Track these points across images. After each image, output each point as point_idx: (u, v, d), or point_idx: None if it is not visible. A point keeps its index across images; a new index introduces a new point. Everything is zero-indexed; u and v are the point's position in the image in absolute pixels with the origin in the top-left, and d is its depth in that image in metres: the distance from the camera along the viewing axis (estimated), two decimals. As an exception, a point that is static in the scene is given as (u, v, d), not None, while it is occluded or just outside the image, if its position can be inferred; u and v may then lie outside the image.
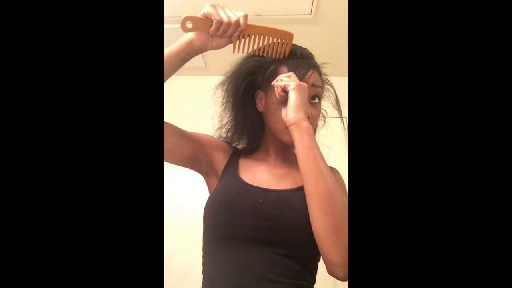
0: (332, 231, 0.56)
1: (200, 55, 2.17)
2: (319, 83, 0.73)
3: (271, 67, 0.72)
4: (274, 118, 0.71)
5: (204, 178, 0.80)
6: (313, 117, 0.71)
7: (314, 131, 0.78)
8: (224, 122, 0.80)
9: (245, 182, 0.70)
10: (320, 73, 0.75)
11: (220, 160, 0.77)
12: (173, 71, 0.68)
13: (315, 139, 0.63)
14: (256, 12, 1.59)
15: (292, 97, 0.63)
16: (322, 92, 0.75)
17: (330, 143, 1.78)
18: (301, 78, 0.67)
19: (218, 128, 0.81)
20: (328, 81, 0.79)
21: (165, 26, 1.79)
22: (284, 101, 0.65)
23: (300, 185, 0.69)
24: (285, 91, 0.65)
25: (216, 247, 0.67)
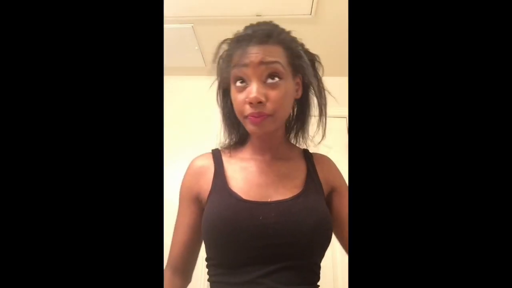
0: None
1: (200, 55, 2.15)
2: (274, 58, 0.62)
3: (228, 53, 0.66)
4: (235, 108, 0.66)
5: None
6: (273, 100, 0.61)
7: (297, 127, 0.75)
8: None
9: (239, 197, 0.64)
10: (284, 45, 0.64)
11: (208, 183, 0.69)
12: None
13: None
14: (256, 12, 1.59)
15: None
16: (288, 68, 0.64)
17: (330, 143, 1.78)
18: (242, 59, 0.61)
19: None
20: (307, 53, 0.69)
21: (165, 26, 1.79)
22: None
23: (298, 192, 0.66)
24: None
25: (222, 270, 0.64)
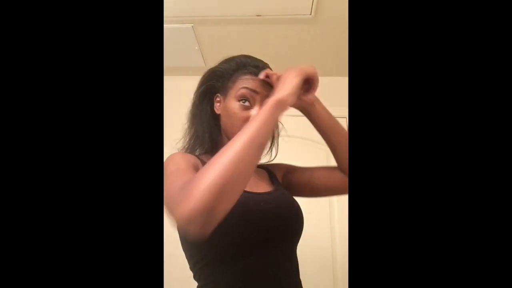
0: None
1: (200, 55, 2.14)
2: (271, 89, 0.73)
3: (235, 74, 0.76)
4: (230, 121, 0.74)
5: None
6: None
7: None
8: (186, 133, 0.82)
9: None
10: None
11: None
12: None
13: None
14: (256, 12, 1.59)
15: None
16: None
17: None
18: (254, 85, 0.73)
19: (182, 143, 0.82)
20: None
21: (165, 26, 1.78)
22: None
23: (273, 188, 0.78)
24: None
25: (226, 259, 0.65)
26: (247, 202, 0.66)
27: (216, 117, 0.80)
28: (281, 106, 0.60)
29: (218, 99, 0.79)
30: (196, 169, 0.66)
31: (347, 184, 0.73)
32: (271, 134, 0.72)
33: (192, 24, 1.69)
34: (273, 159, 0.87)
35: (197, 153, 0.80)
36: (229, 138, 0.74)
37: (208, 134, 0.79)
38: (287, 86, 0.63)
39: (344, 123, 1.97)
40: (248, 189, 0.72)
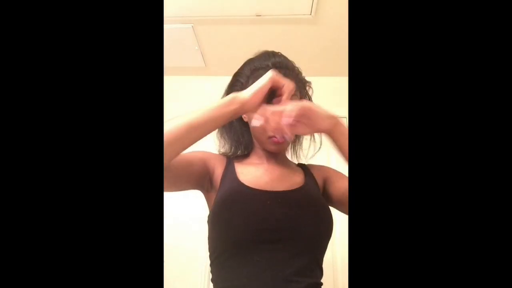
0: None
1: (200, 55, 2.14)
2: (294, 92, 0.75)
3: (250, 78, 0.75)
4: (256, 129, 0.75)
5: (204, 194, 0.80)
6: None
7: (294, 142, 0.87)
8: (219, 139, 0.84)
9: (248, 186, 0.70)
10: (295, 78, 0.77)
11: (219, 173, 0.77)
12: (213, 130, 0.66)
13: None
14: (256, 12, 1.59)
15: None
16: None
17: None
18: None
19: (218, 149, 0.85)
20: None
21: (165, 26, 1.78)
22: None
23: (299, 186, 0.73)
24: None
25: (229, 254, 0.66)
26: (251, 200, 0.68)
27: (246, 124, 0.81)
28: (234, 102, 0.64)
29: None
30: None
31: None
32: (216, 123, 0.64)
33: (192, 24, 1.69)
34: (318, 150, 0.85)
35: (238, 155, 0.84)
36: (260, 144, 0.78)
37: (244, 144, 0.83)
38: (252, 87, 0.65)
39: (344, 123, 1.98)
40: (261, 187, 0.70)
